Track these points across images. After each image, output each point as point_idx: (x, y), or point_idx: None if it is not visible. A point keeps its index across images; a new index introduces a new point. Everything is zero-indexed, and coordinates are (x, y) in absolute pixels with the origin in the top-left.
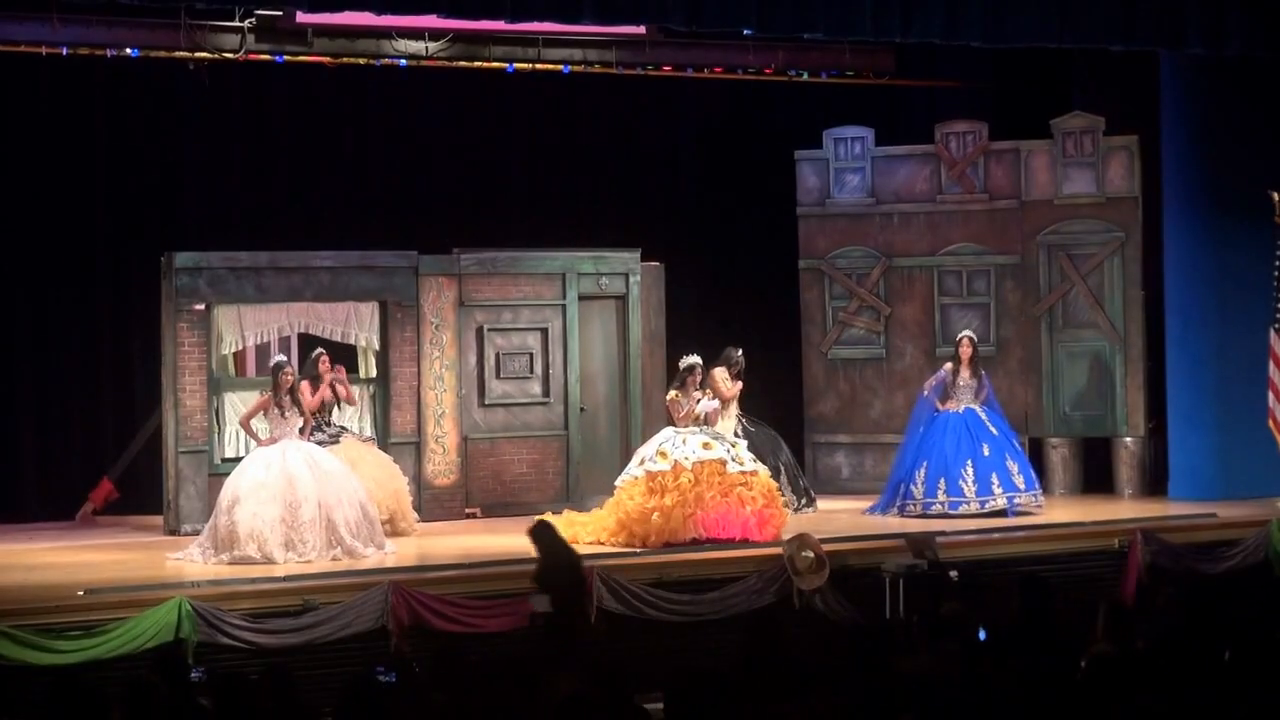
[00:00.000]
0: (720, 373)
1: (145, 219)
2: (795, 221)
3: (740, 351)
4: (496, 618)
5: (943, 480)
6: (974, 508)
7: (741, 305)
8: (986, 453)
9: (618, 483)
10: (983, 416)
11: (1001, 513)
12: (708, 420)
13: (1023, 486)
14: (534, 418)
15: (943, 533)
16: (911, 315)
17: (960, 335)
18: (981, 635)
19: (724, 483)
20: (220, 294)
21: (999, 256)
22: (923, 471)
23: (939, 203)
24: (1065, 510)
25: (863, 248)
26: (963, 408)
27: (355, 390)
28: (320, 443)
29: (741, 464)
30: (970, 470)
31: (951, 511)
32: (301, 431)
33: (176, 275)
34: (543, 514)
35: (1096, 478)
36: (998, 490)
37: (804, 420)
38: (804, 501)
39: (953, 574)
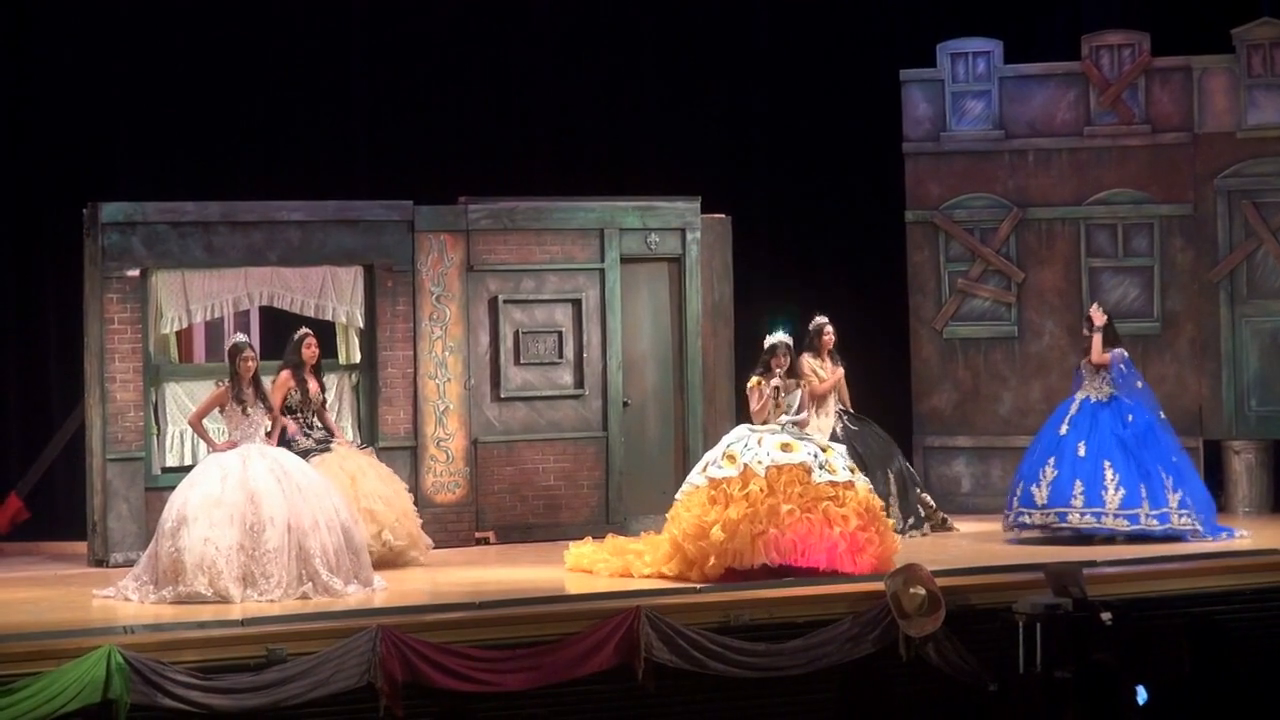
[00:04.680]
0: (811, 360)
1: (63, 160)
2: (900, 161)
3: (827, 321)
4: (515, 673)
5: (1020, 485)
6: (1022, 518)
7: (830, 269)
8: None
9: (678, 495)
10: (1073, 410)
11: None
12: (797, 425)
13: (1077, 503)
14: (564, 415)
15: (1091, 563)
16: (1051, 282)
17: (1091, 308)
18: (1141, 695)
19: (806, 495)
20: (160, 256)
21: (1164, 206)
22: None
23: (1086, 137)
24: (1251, 534)
25: (988, 195)
26: (1081, 396)
27: (331, 381)
28: (305, 452)
29: (833, 473)
30: (1049, 472)
31: (1016, 524)
32: (269, 434)
33: (103, 232)
34: (577, 539)
35: None
36: (1040, 500)
37: (912, 418)
38: (911, 522)
39: (1105, 616)
